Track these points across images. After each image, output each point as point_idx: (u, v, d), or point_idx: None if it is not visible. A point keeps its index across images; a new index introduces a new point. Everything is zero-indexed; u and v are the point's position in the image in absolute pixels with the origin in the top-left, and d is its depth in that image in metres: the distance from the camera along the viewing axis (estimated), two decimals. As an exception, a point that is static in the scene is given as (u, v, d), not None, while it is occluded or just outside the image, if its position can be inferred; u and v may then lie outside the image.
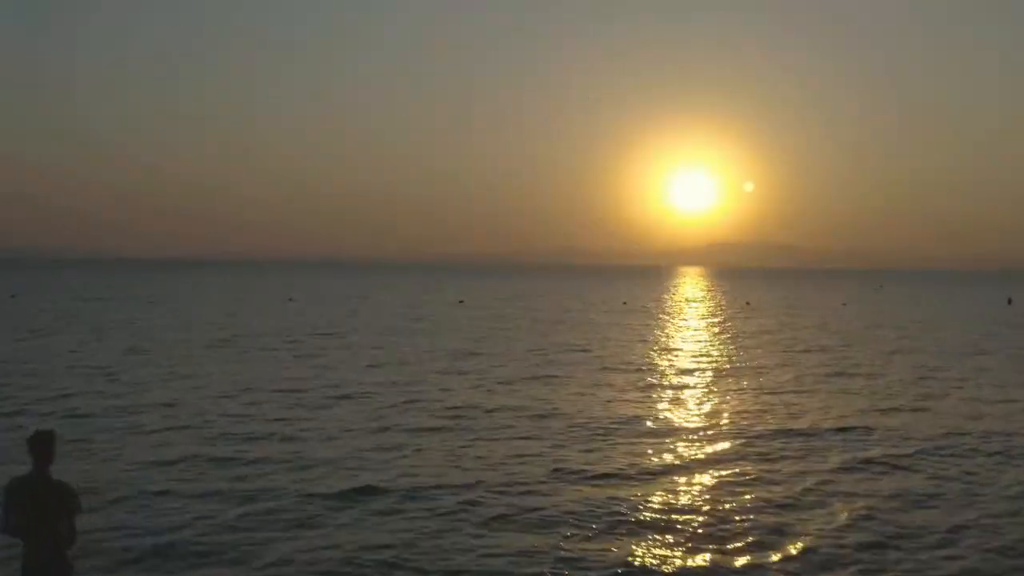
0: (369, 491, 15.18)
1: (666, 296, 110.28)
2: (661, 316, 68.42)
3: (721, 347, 42.54)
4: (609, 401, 25.25)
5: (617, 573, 11.73)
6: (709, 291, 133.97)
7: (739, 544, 12.78)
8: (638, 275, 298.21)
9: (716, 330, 54.27)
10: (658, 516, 14.05)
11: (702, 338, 48.23)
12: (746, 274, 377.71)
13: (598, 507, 14.40)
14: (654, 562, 12.12)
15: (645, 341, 45.52)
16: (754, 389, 27.93)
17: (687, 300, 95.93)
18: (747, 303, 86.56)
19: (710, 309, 78.69)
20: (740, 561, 12.17)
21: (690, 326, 57.73)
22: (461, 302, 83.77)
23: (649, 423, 22.03)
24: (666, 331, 53.03)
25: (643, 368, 33.49)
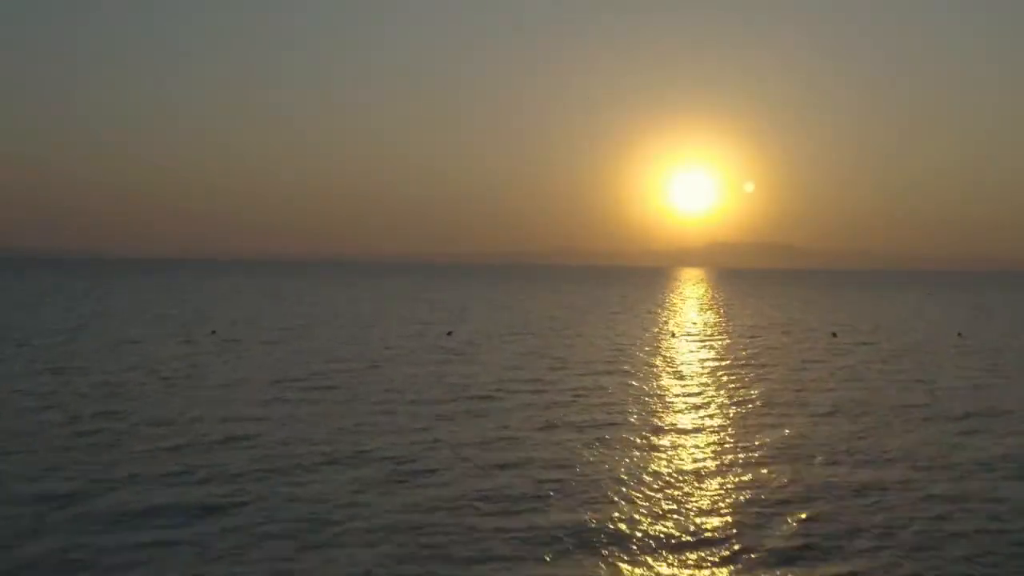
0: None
1: (738, 319, 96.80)
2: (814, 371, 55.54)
3: None
4: None
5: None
6: (753, 306, 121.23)
7: None
8: (649, 276, 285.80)
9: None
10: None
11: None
12: (750, 275, 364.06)
13: None
14: None
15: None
16: None
17: (775, 325, 67.80)
18: (833, 334, 59.70)
19: (821, 348, 65.82)
20: None
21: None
22: (450, 333, 56.39)
23: None
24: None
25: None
